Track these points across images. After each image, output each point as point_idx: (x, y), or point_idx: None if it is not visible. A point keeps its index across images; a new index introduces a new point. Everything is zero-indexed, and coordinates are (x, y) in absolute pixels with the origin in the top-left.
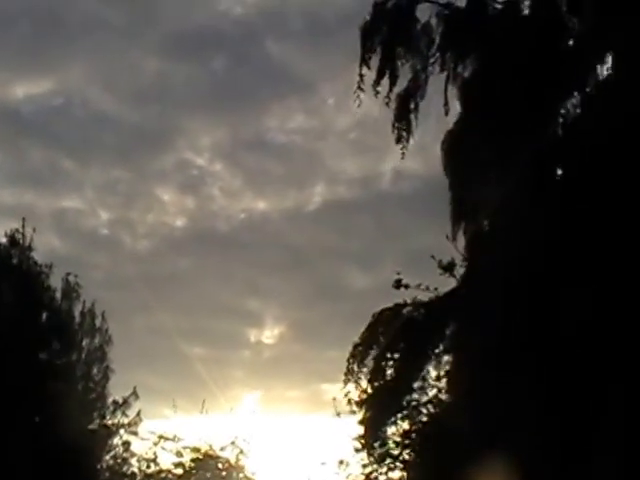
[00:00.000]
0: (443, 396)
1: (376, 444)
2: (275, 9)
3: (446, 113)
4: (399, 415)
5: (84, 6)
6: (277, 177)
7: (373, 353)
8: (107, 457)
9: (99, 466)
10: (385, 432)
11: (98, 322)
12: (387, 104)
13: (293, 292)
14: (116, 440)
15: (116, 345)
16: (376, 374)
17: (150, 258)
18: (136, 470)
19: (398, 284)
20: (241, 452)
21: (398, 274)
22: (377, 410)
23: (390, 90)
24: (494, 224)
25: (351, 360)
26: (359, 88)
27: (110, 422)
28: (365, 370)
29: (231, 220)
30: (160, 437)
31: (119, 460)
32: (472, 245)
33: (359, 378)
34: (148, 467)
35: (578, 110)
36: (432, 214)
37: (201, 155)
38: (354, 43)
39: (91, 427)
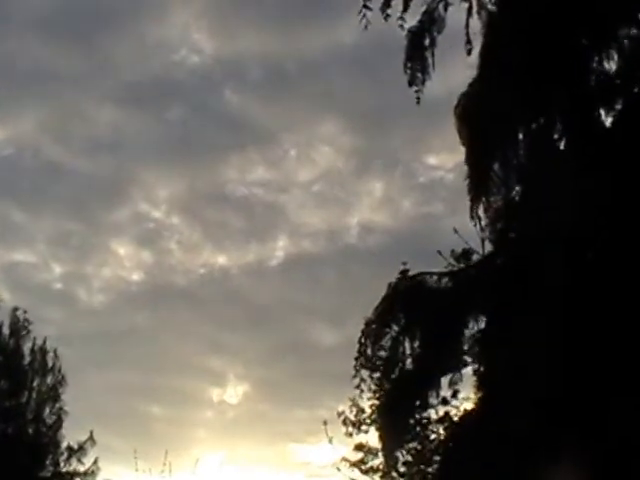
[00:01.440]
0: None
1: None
2: (234, 58)
3: (468, 52)
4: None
5: (37, 54)
6: (238, 230)
7: (390, 333)
8: None
9: None
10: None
11: (50, 360)
12: (401, 26)
13: (257, 349)
14: None
15: (70, 403)
16: (394, 359)
17: (106, 313)
18: None
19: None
20: None
21: (404, 264)
22: (397, 410)
23: (401, 17)
24: (528, 189)
25: (364, 341)
26: (365, 6)
27: (64, 470)
28: (382, 354)
29: (190, 275)
30: None
31: None
32: (499, 217)
33: (374, 365)
34: None
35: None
36: (399, 267)
37: (158, 207)
38: (315, 93)
39: (42, 475)
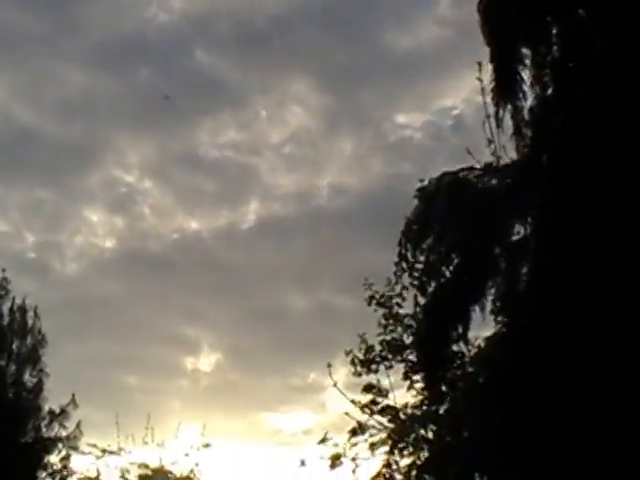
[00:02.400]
0: None
1: None
2: (203, 15)
3: None
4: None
5: (4, 17)
6: (210, 194)
7: (431, 236)
8: (43, 475)
9: None
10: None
11: (30, 321)
12: None
13: (229, 317)
14: (53, 456)
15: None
16: (436, 262)
17: (79, 282)
18: None
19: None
20: (196, 465)
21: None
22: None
23: None
24: (566, 88)
25: (404, 243)
26: None
27: (46, 435)
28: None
29: (163, 240)
30: (104, 451)
31: (56, 479)
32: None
33: (414, 268)
34: None
35: None
36: (371, 230)
37: (130, 172)
38: (285, 51)
39: (24, 441)
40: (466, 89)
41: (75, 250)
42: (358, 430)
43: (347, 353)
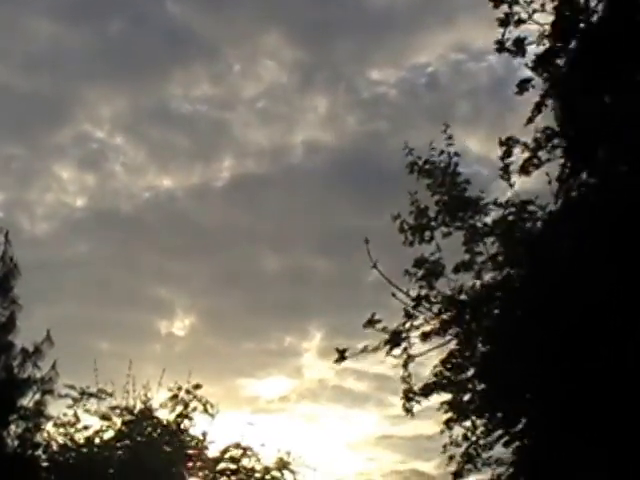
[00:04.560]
0: None
1: None
2: None
3: None
4: None
5: None
6: (182, 150)
7: None
8: (14, 417)
9: (4, 433)
10: None
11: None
12: None
13: (203, 278)
14: (26, 400)
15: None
16: None
17: (49, 242)
18: (53, 438)
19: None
20: (185, 407)
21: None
22: None
23: None
24: None
25: None
26: None
27: (19, 377)
28: None
29: (135, 199)
30: (82, 393)
31: (30, 425)
32: None
33: None
34: (66, 434)
35: None
36: (346, 188)
37: (101, 127)
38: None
39: None
40: (440, 46)
41: (45, 209)
42: (407, 317)
43: (395, 218)
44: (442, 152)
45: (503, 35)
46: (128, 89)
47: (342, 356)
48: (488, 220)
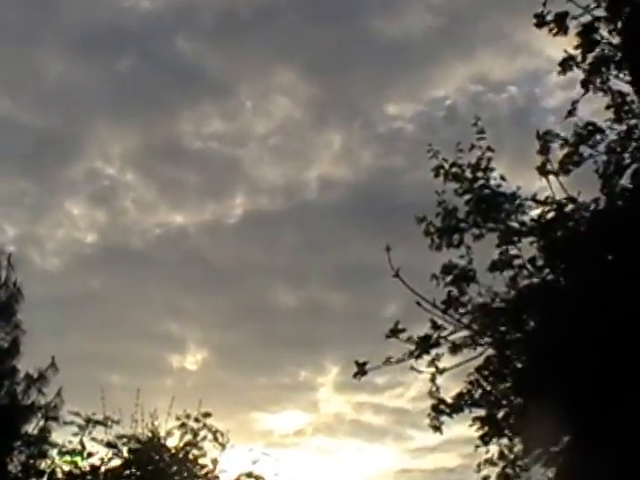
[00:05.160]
0: None
1: None
2: (185, 4)
3: None
4: None
5: None
6: (194, 187)
7: None
8: (18, 444)
9: (7, 460)
10: None
11: (3, 272)
12: None
13: (215, 313)
14: (30, 426)
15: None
16: None
17: (60, 277)
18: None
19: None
20: (194, 436)
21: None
22: None
23: None
24: None
25: None
26: None
27: (22, 403)
28: None
29: (146, 235)
30: (88, 421)
31: (34, 452)
32: None
33: None
34: (73, 462)
35: None
36: (361, 224)
37: (112, 164)
38: (269, 40)
39: None
40: (458, 78)
41: (56, 244)
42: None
43: (420, 220)
44: (472, 147)
45: (544, 4)
46: (139, 126)
47: (362, 370)
48: (525, 219)
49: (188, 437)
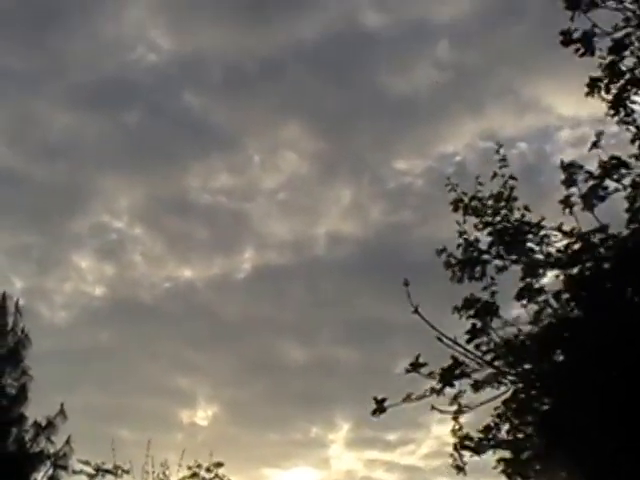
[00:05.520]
0: None
1: None
2: (192, 57)
3: None
4: None
5: None
6: (202, 241)
7: None
8: None
9: None
10: None
11: (10, 319)
12: None
13: (225, 368)
14: (39, 474)
15: None
16: None
17: (69, 330)
18: None
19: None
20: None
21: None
22: None
23: None
24: None
25: None
26: None
27: (31, 451)
28: None
29: (155, 289)
30: (97, 470)
31: None
32: None
33: None
34: None
35: None
36: (370, 280)
37: (119, 218)
38: (277, 95)
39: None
40: (468, 134)
41: (64, 297)
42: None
43: (440, 252)
44: (495, 175)
45: (572, 19)
46: (146, 180)
47: (381, 407)
48: (551, 250)
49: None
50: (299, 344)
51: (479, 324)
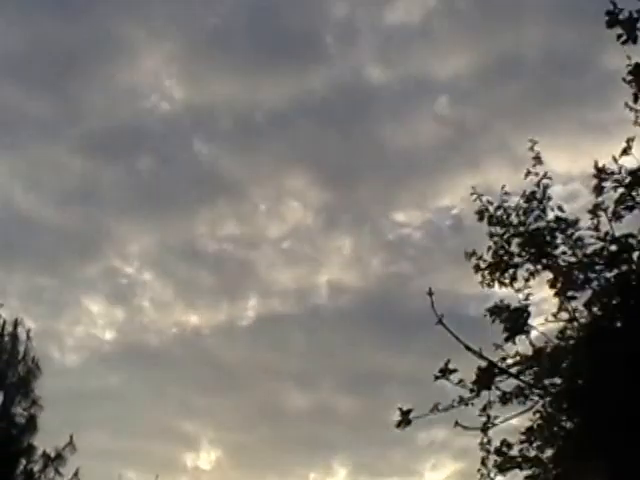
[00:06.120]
0: None
1: None
2: (203, 106)
3: None
4: None
5: (4, 101)
6: (209, 288)
7: None
8: None
9: None
10: None
11: (22, 347)
12: None
13: (228, 413)
14: None
15: None
16: None
17: (78, 373)
18: None
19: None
20: None
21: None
22: None
23: None
24: None
25: None
26: None
27: None
28: None
29: (162, 334)
30: None
31: None
32: None
33: None
34: None
35: None
36: (371, 329)
37: (130, 263)
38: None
39: None
40: (464, 188)
41: (75, 340)
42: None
43: (469, 255)
44: (528, 173)
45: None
46: (156, 226)
47: (406, 419)
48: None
49: None
50: (300, 391)
51: (507, 332)
